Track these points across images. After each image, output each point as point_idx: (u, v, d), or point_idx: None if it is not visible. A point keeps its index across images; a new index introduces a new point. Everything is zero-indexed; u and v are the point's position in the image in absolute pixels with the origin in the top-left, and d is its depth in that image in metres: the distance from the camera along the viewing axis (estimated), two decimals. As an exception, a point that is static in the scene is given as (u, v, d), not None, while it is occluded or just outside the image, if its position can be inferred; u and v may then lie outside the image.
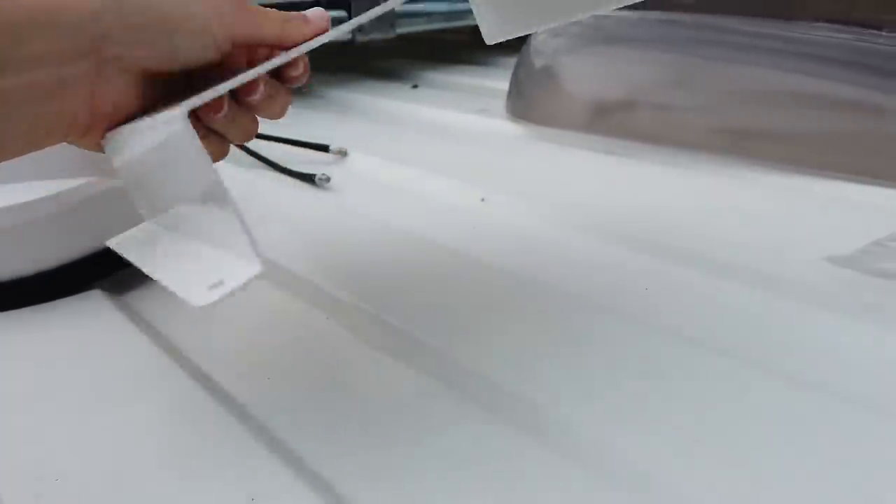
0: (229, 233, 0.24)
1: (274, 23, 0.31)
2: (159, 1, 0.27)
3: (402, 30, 1.01)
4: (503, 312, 0.35)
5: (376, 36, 0.97)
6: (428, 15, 1.04)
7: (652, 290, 0.36)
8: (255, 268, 0.23)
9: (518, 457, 0.26)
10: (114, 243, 0.29)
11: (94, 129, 0.28)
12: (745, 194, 0.48)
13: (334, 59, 1.21)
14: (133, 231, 0.30)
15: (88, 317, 0.38)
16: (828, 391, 0.28)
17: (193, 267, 0.26)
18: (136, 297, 0.40)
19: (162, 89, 0.29)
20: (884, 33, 0.51)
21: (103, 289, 0.41)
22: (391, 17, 0.98)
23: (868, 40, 0.51)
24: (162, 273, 0.26)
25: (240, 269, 0.24)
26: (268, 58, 0.30)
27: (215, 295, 0.23)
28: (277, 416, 0.29)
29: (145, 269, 0.27)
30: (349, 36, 0.95)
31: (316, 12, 0.32)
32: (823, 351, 0.30)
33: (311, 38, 0.31)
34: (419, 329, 0.33)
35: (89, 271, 0.41)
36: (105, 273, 0.42)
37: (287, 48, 0.30)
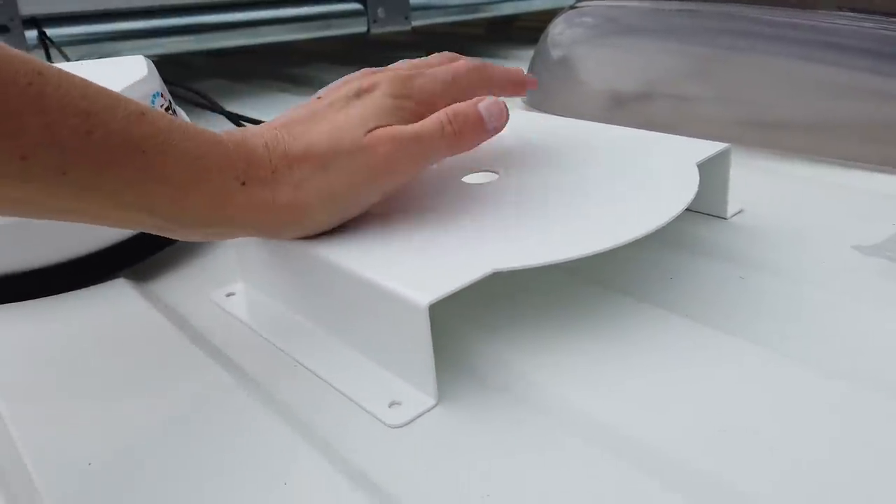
0: (417, 363, 0.28)
1: (438, 142, 0.32)
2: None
3: (418, 22, 1.00)
4: (521, 296, 0.35)
5: (391, 28, 0.97)
6: (443, 7, 1.04)
7: (677, 279, 0.36)
8: (432, 400, 0.28)
9: (539, 438, 0.26)
10: (295, 350, 0.33)
11: None
12: (768, 184, 0.48)
13: (349, 51, 1.21)
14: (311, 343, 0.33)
15: (114, 304, 0.38)
16: (858, 379, 0.28)
17: (372, 383, 0.29)
18: (161, 286, 0.41)
19: None
20: (908, 22, 0.51)
21: (128, 277, 0.41)
22: (406, 9, 0.98)
23: (891, 28, 0.51)
24: (342, 382, 0.30)
25: (418, 398, 0.28)
26: None
27: (402, 417, 0.27)
28: (303, 401, 0.29)
29: (326, 377, 0.30)
30: (364, 28, 0.95)
31: (491, 106, 0.34)
32: (853, 339, 0.30)
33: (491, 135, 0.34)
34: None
35: (114, 260, 0.41)
36: (129, 262, 0.42)
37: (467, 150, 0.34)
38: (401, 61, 0.38)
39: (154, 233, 0.30)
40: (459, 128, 0.33)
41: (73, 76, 0.26)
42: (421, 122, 0.32)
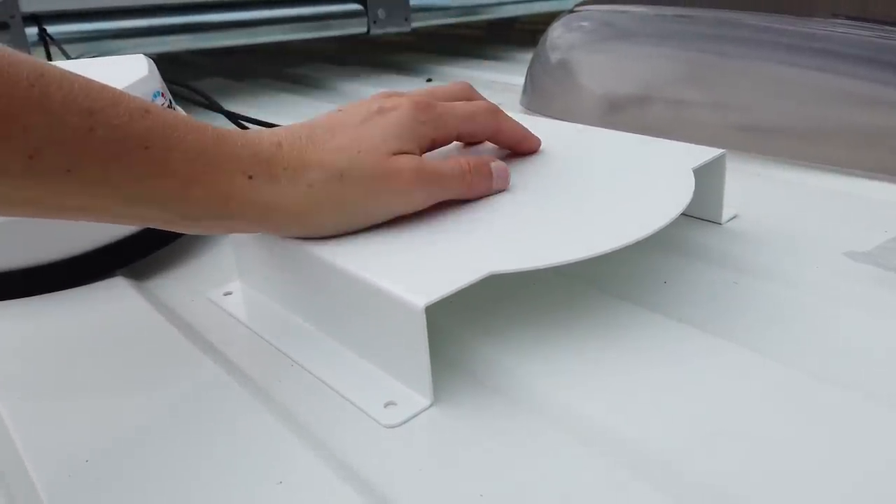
0: (412, 364, 0.28)
1: (456, 187, 0.34)
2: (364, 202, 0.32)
3: (418, 23, 1.01)
4: (520, 301, 0.35)
5: (391, 29, 0.97)
6: (444, 9, 1.05)
7: (671, 283, 0.36)
8: (427, 401, 0.28)
9: (533, 440, 0.26)
10: (291, 350, 0.33)
11: None
12: (763, 190, 0.48)
13: (349, 52, 1.21)
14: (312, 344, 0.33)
15: (111, 302, 0.38)
16: (848, 384, 0.28)
17: (368, 384, 0.30)
18: (158, 284, 0.41)
19: None
20: (902, 30, 0.51)
21: (125, 275, 0.41)
22: (406, 10, 0.98)
23: (886, 36, 0.51)
24: (338, 382, 0.30)
25: (413, 399, 0.28)
26: None
27: (398, 417, 0.28)
28: (299, 401, 0.29)
29: (323, 377, 0.31)
30: (364, 28, 0.95)
31: (500, 169, 0.36)
32: (844, 344, 0.31)
33: (494, 193, 0.36)
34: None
35: (112, 258, 0.41)
36: (127, 260, 0.42)
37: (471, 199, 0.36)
38: (419, 89, 0.39)
39: (160, 227, 0.30)
40: (474, 180, 0.35)
41: (75, 76, 0.26)
42: (443, 162, 0.34)
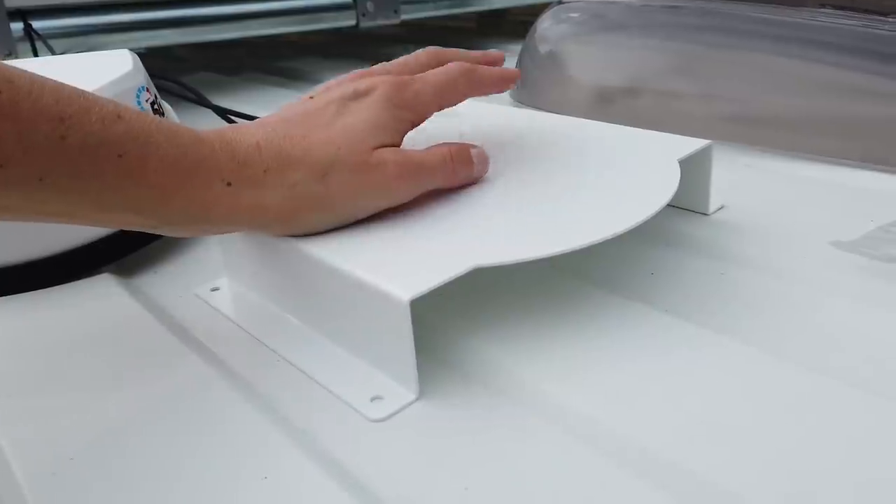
0: (398, 358, 0.28)
1: (439, 176, 0.34)
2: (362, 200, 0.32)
3: (407, 16, 1.00)
4: (510, 293, 0.35)
5: (381, 22, 0.97)
6: (433, 1, 1.04)
7: (658, 275, 0.37)
8: (413, 395, 0.28)
9: (519, 433, 0.26)
10: (278, 345, 0.33)
11: None
12: (750, 180, 0.48)
13: (338, 45, 1.21)
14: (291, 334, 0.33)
15: (99, 299, 0.38)
16: (835, 374, 0.28)
17: (354, 378, 0.30)
18: (145, 281, 0.41)
19: None
20: (889, 19, 0.51)
21: (112, 272, 0.41)
22: (396, 3, 0.98)
23: (873, 26, 0.51)
24: (324, 377, 0.30)
25: (399, 393, 0.28)
26: None
27: (384, 411, 0.27)
28: (285, 396, 0.29)
29: (309, 372, 0.30)
30: (353, 21, 0.95)
31: (480, 155, 0.36)
32: (831, 334, 0.31)
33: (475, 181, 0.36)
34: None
35: (99, 255, 0.41)
36: (114, 257, 0.42)
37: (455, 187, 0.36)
38: (380, 64, 0.38)
39: (143, 231, 0.30)
40: (457, 167, 0.35)
41: (46, 80, 0.25)
42: (426, 153, 0.34)
